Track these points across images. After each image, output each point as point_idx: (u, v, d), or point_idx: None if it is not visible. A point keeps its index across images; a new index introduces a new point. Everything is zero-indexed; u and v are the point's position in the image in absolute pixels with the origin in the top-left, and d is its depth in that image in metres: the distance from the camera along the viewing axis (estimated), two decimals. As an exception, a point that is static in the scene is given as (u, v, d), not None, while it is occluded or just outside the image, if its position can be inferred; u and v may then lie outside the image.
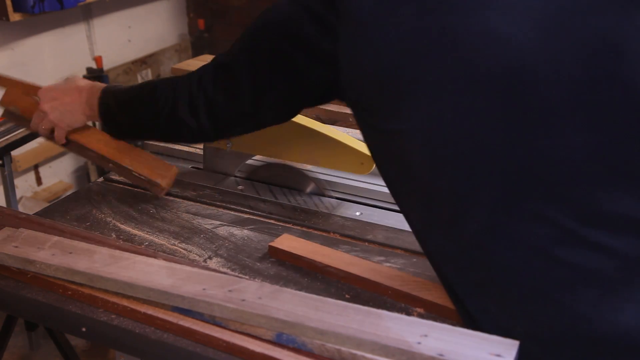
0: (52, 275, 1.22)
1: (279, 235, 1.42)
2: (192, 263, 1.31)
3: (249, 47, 1.27)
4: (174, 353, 1.11)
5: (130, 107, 1.42)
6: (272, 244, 1.38)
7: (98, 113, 1.44)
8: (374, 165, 1.52)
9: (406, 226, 1.22)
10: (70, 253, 1.25)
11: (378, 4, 1.07)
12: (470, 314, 1.09)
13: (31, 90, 1.56)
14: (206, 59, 2.29)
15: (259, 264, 1.36)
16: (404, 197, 1.18)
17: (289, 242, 1.38)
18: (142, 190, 1.66)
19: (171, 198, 1.63)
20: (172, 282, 1.17)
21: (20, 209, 2.84)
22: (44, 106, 1.46)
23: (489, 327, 1.04)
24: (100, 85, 1.46)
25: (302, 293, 1.15)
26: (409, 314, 1.21)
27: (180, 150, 1.84)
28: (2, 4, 2.62)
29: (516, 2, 1.01)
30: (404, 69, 1.05)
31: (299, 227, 1.50)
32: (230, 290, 1.14)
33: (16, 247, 1.26)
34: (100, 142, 1.56)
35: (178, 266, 1.22)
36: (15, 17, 2.67)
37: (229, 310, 1.10)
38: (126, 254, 1.25)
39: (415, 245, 1.40)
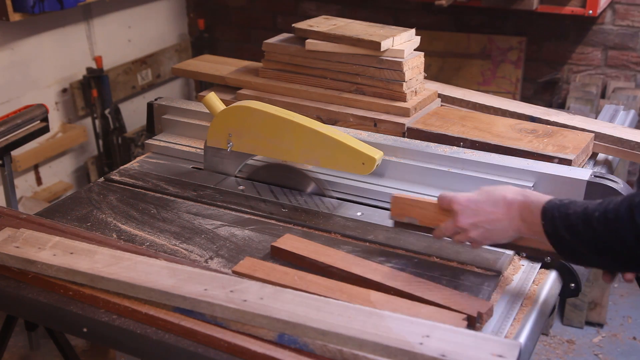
0: (53, 276, 1.22)
1: (280, 235, 1.42)
2: (193, 263, 1.31)
3: None
4: (175, 354, 1.11)
5: (592, 239, 1.13)
6: (274, 244, 1.38)
7: (546, 235, 1.20)
8: (375, 166, 1.53)
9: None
10: (72, 253, 1.25)
11: None
12: None
13: (421, 204, 1.36)
14: (206, 59, 2.28)
15: (260, 265, 1.36)
16: None
17: (292, 242, 1.38)
18: (142, 191, 1.66)
19: (172, 198, 1.63)
20: (173, 282, 1.17)
21: (20, 209, 2.84)
22: (463, 222, 1.28)
23: None
24: (535, 196, 1.23)
25: (304, 293, 1.15)
26: (410, 314, 1.20)
27: (181, 150, 1.84)
28: (2, 4, 2.62)
29: None
30: None
31: (299, 228, 1.50)
32: (231, 291, 1.14)
33: (17, 247, 1.26)
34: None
35: (179, 266, 1.22)
36: (15, 17, 2.66)
37: (231, 310, 1.10)
38: (127, 255, 1.25)
39: (415, 245, 1.41)
